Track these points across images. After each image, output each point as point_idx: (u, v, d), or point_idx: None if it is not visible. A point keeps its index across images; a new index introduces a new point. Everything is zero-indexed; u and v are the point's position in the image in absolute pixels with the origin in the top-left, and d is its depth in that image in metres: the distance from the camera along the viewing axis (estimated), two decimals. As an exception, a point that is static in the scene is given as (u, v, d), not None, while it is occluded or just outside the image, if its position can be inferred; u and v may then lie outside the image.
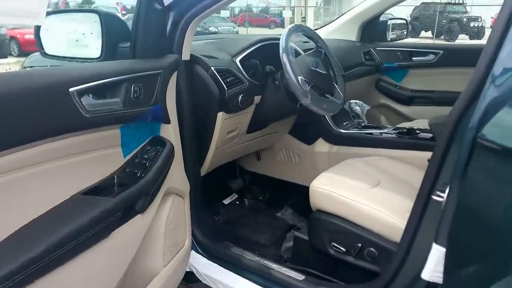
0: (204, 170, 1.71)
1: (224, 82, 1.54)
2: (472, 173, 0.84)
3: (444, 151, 1.02)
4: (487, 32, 17.56)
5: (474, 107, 0.88)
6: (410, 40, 2.69)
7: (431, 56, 2.48)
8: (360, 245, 1.34)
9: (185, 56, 1.49)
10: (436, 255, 0.96)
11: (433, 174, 1.05)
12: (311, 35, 1.72)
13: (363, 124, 1.97)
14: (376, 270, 1.34)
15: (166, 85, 1.30)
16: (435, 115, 2.40)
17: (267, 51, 1.76)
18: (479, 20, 17.64)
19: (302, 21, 24.03)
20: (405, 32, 2.91)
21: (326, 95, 1.63)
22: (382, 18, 2.70)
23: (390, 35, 2.77)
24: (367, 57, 2.51)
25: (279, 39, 1.88)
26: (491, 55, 0.88)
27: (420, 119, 2.33)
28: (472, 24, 17.52)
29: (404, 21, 2.89)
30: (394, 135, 1.84)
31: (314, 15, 24.54)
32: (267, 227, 2.02)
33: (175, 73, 1.38)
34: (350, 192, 1.42)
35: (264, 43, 1.77)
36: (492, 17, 19.18)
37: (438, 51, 2.45)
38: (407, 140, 1.78)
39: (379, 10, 2.51)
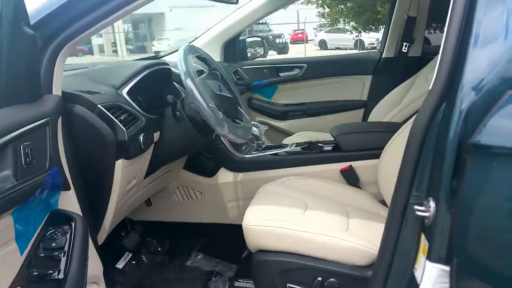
0: (102, 238, 1.34)
1: (119, 121, 1.22)
2: (473, 180, 0.79)
3: (416, 163, 0.97)
4: (290, 47, 20.08)
5: (451, 111, 0.84)
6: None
7: (297, 71, 2.57)
8: (320, 278, 1.22)
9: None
10: (434, 273, 0.90)
11: (406, 188, 0.99)
12: (204, 56, 1.53)
13: (264, 146, 1.87)
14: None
15: (56, 138, 0.94)
16: (310, 126, 2.49)
17: (155, 78, 1.50)
18: (282, 37, 19.99)
19: (113, 47, 23.09)
20: (259, 50, 2.95)
21: (236, 120, 1.47)
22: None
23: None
24: (237, 76, 2.44)
25: (164, 63, 1.64)
26: (454, 53, 0.86)
27: (300, 131, 2.37)
28: (277, 41, 19.71)
29: (260, 39, 2.93)
30: (300, 152, 1.78)
31: (125, 40, 23.91)
32: (181, 282, 1.73)
33: (60, 119, 1.02)
34: (290, 223, 1.28)
35: (151, 69, 1.49)
36: (289, 34, 22.03)
37: (302, 65, 2.55)
38: (314, 155, 1.75)
39: (240, 29, 2.47)
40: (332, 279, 1.22)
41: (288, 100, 2.60)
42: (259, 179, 1.75)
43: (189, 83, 1.27)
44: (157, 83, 1.50)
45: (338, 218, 1.36)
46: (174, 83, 1.65)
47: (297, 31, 22.04)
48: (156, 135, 1.42)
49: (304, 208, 1.40)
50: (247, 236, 1.31)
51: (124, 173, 1.26)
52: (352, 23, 13.58)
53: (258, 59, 2.74)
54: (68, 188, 0.97)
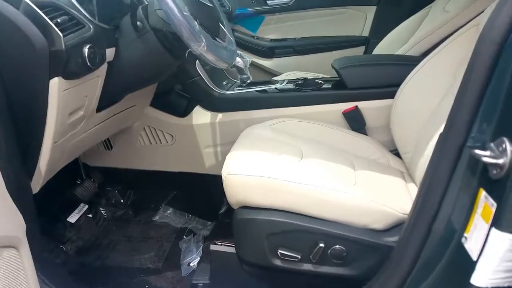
0: (37, 185, 1.02)
1: (54, 24, 0.87)
2: None
3: (482, 90, 0.67)
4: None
5: None
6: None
7: (287, -2, 2.19)
8: (322, 245, 0.94)
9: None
10: (503, 247, 0.62)
11: (464, 127, 0.69)
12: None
13: (248, 81, 1.53)
14: (348, 274, 0.96)
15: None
16: (301, 66, 2.14)
17: None
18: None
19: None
20: None
21: (217, 39, 1.12)
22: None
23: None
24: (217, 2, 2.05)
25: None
26: None
27: (288, 71, 2.03)
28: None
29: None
30: (293, 90, 1.46)
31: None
32: (146, 240, 1.44)
33: None
34: (284, 173, 0.98)
35: None
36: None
37: (294, -10, 2.17)
38: (311, 93, 1.43)
39: None
40: (338, 246, 0.95)
41: (276, 34, 2.25)
42: (242, 121, 1.43)
43: None
44: None
45: (343, 169, 1.08)
46: None
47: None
48: (110, 53, 1.07)
49: (299, 156, 1.10)
50: (228, 189, 1.02)
51: (62, 98, 0.93)
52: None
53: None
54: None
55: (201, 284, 1.12)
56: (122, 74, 1.10)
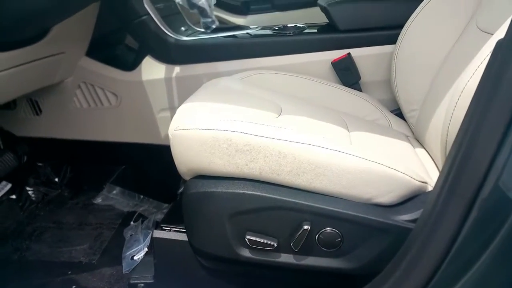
0: None
1: None
2: None
3: None
4: None
5: None
6: None
7: None
8: (307, 227, 0.66)
9: None
10: None
11: None
12: None
13: (214, 26, 1.22)
14: (343, 268, 0.68)
15: None
16: (281, 23, 1.85)
17: None
18: None
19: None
20: None
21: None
22: None
23: None
24: None
25: None
26: None
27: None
28: None
29: None
30: (270, 35, 1.17)
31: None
32: (81, 229, 1.13)
33: None
34: (254, 127, 0.69)
35: None
36: None
37: None
38: (291, 38, 1.13)
39: None
40: (329, 229, 0.67)
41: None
42: (205, 76, 1.14)
43: None
44: None
45: (334, 128, 0.80)
46: None
47: None
48: None
49: (277, 111, 0.82)
50: (176, 150, 0.73)
51: None
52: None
53: None
54: None
55: (142, 285, 0.82)
56: None
